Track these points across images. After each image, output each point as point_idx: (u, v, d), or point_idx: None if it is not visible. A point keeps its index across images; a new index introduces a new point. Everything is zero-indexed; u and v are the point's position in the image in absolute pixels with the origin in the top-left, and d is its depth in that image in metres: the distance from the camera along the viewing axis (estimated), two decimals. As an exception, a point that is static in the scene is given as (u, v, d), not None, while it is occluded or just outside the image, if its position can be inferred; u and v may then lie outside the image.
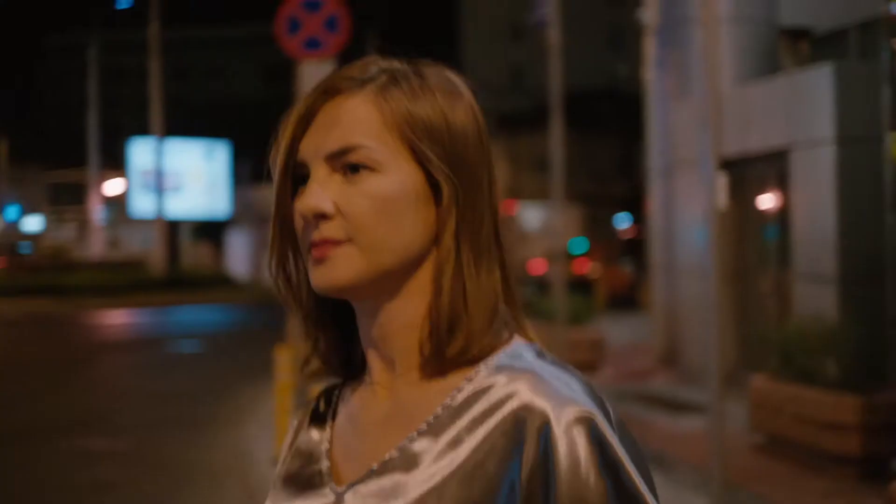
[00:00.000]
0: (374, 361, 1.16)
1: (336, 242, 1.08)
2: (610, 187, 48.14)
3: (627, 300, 24.13)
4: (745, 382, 8.39)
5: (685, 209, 11.56)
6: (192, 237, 47.04)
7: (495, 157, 1.16)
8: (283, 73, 22.45)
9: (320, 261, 1.08)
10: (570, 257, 23.37)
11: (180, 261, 37.89)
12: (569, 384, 1.06)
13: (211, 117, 53.40)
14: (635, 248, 35.72)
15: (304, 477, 1.18)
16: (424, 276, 1.11)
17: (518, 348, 1.12)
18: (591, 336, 12.71)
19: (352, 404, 1.19)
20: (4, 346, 18.10)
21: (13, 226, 64.08)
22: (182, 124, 40.05)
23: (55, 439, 9.02)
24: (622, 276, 27.74)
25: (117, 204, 47.90)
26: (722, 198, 7.05)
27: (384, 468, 1.09)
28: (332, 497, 1.12)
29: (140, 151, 37.50)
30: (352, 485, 1.11)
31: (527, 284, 26.88)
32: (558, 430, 1.01)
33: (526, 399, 1.04)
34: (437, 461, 1.05)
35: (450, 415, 1.08)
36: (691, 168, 10.76)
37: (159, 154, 32.39)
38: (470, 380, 1.09)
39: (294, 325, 6.10)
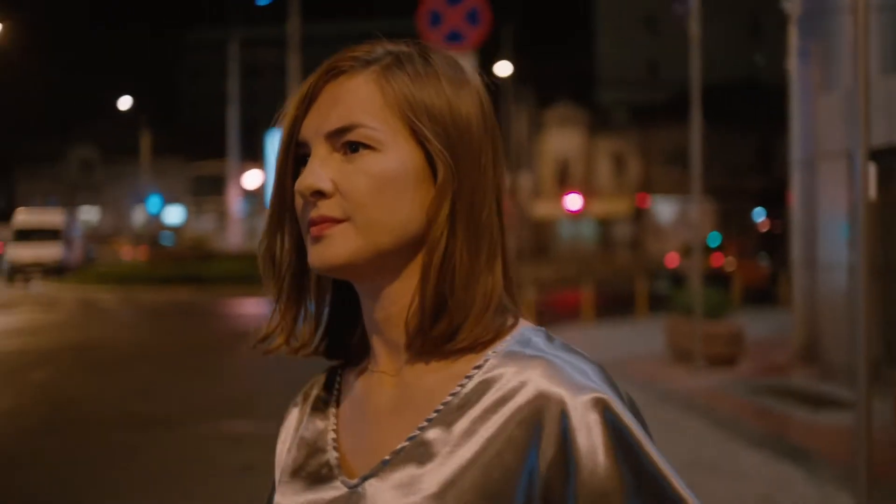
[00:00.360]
0: (378, 347, 1.14)
1: (334, 221, 1.06)
2: (745, 181, 47.12)
3: (764, 295, 23.62)
4: (890, 379, 8.18)
5: (829, 203, 11.28)
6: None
7: (500, 140, 1.15)
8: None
9: (318, 239, 1.07)
10: (707, 251, 23.05)
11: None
12: (582, 369, 1.04)
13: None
14: (772, 242, 34.95)
15: (311, 469, 1.16)
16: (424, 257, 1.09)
17: (526, 333, 1.10)
18: (728, 329, 12.50)
19: (356, 391, 1.17)
20: (149, 334, 18.74)
21: (155, 217, 66.16)
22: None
23: (201, 424, 9.32)
24: (759, 270, 27.18)
25: (255, 196, 49.11)
26: (872, 190, 6.89)
27: (397, 460, 1.06)
28: (343, 490, 1.10)
29: (275, 144, 38.35)
30: (365, 478, 1.08)
31: (662, 277, 26.64)
32: (576, 417, 1.00)
33: (541, 387, 1.02)
34: (452, 453, 1.03)
35: (460, 404, 1.06)
36: (836, 160, 10.50)
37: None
38: (479, 367, 1.07)
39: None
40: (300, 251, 1.13)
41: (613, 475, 0.98)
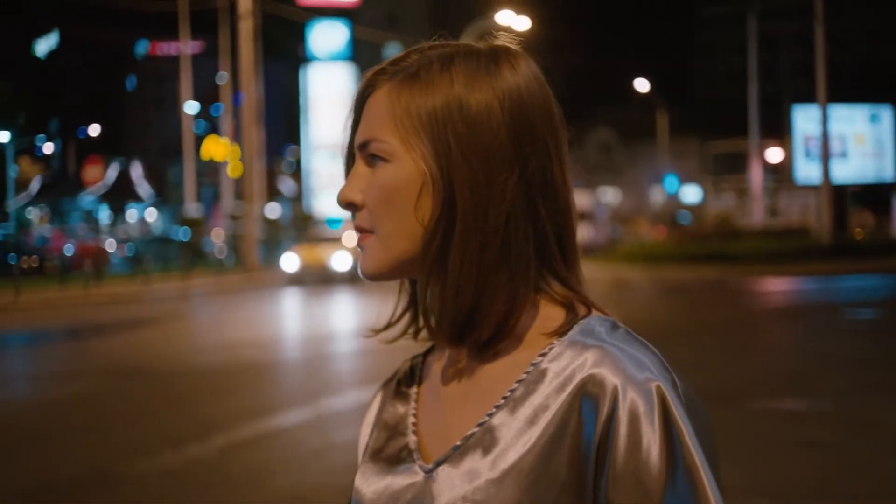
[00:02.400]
0: None
1: (367, 231, 1.14)
2: None
3: None
4: None
5: None
6: (851, 203, 45.65)
7: (539, 136, 1.12)
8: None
9: (361, 248, 1.15)
10: None
11: (847, 227, 36.99)
12: (639, 359, 1.06)
13: (869, 80, 51.26)
14: None
15: (391, 451, 1.20)
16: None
17: (592, 323, 1.11)
18: None
19: (434, 377, 1.21)
20: (682, 310, 19.02)
21: (673, 197, 66.89)
22: (841, 88, 39.01)
23: (748, 400, 9.35)
24: None
25: (776, 172, 48.04)
26: None
27: (466, 446, 1.10)
28: (420, 475, 1.13)
29: (803, 118, 37.30)
30: (438, 463, 1.12)
31: None
32: (624, 405, 1.02)
33: (595, 375, 1.05)
34: (516, 439, 1.06)
35: (525, 391, 1.09)
36: None
37: (823, 120, 31.80)
38: (543, 355, 1.10)
39: None
40: None
41: (653, 464, 1.01)
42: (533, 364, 1.10)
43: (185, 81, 44.00)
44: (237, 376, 10.76)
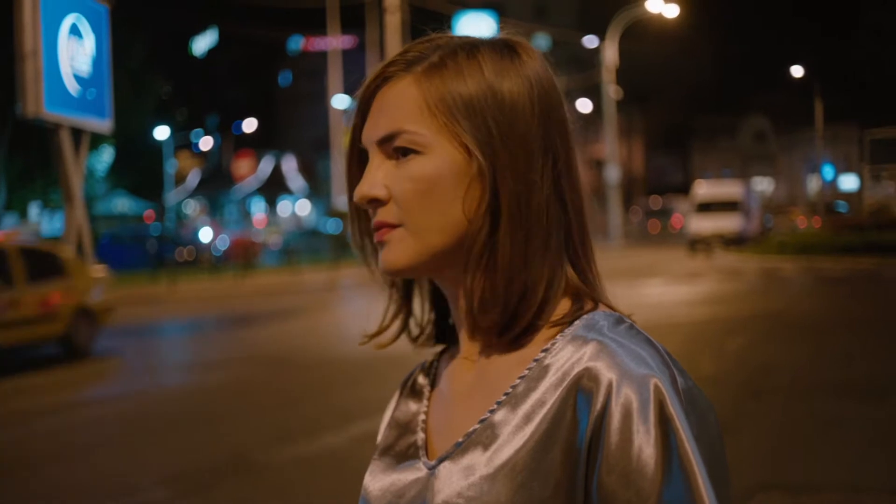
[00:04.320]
0: (461, 333, 1.17)
1: (391, 226, 1.10)
2: None
3: None
4: None
5: None
6: None
7: (562, 123, 1.12)
8: None
9: (381, 244, 1.12)
10: None
11: None
12: (638, 354, 1.03)
13: None
14: None
15: (399, 448, 1.20)
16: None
17: (595, 318, 1.09)
18: None
19: (446, 376, 1.21)
20: (835, 302, 18.42)
21: (829, 185, 64.90)
22: None
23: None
24: None
25: (938, 158, 45.93)
26: None
27: (468, 442, 1.09)
28: (424, 472, 1.13)
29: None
30: (441, 459, 1.12)
31: None
32: (618, 399, 1.00)
33: (591, 369, 1.03)
34: (514, 434, 1.05)
35: (526, 387, 1.07)
36: None
37: None
38: (546, 350, 1.08)
39: None
40: None
41: (645, 462, 0.98)
42: (535, 360, 1.09)
43: (334, 76, 44.87)
44: (377, 366, 10.89)
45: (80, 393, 11.49)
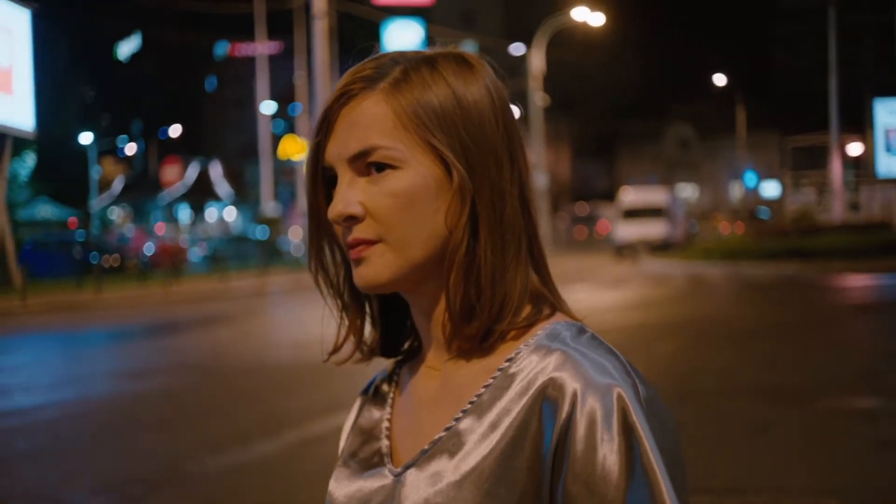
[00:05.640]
0: (426, 343, 1.19)
1: (369, 242, 1.10)
2: None
3: None
4: None
5: None
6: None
7: (517, 131, 1.14)
8: None
9: (358, 261, 1.11)
10: None
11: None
12: (601, 364, 1.05)
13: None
14: None
15: (364, 455, 1.21)
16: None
17: (558, 327, 1.11)
18: None
19: (409, 384, 1.22)
20: (759, 308, 18.73)
21: (752, 192, 65.98)
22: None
23: (825, 398, 9.16)
24: None
25: (857, 166, 47.05)
26: None
27: (434, 450, 1.11)
28: (389, 479, 1.15)
29: (884, 112, 36.55)
30: (406, 466, 1.13)
31: None
32: (581, 409, 1.02)
33: (555, 379, 1.05)
34: (479, 443, 1.07)
35: (492, 395, 1.09)
36: None
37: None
38: (510, 360, 1.10)
39: None
40: (349, 264, 1.17)
41: (609, 470, 1.00)
42: (500, 369, 1.11)
43: (262, 82, 44.56)
44: (309, 373, 10.85)
45: (1, 403, 11.25)
